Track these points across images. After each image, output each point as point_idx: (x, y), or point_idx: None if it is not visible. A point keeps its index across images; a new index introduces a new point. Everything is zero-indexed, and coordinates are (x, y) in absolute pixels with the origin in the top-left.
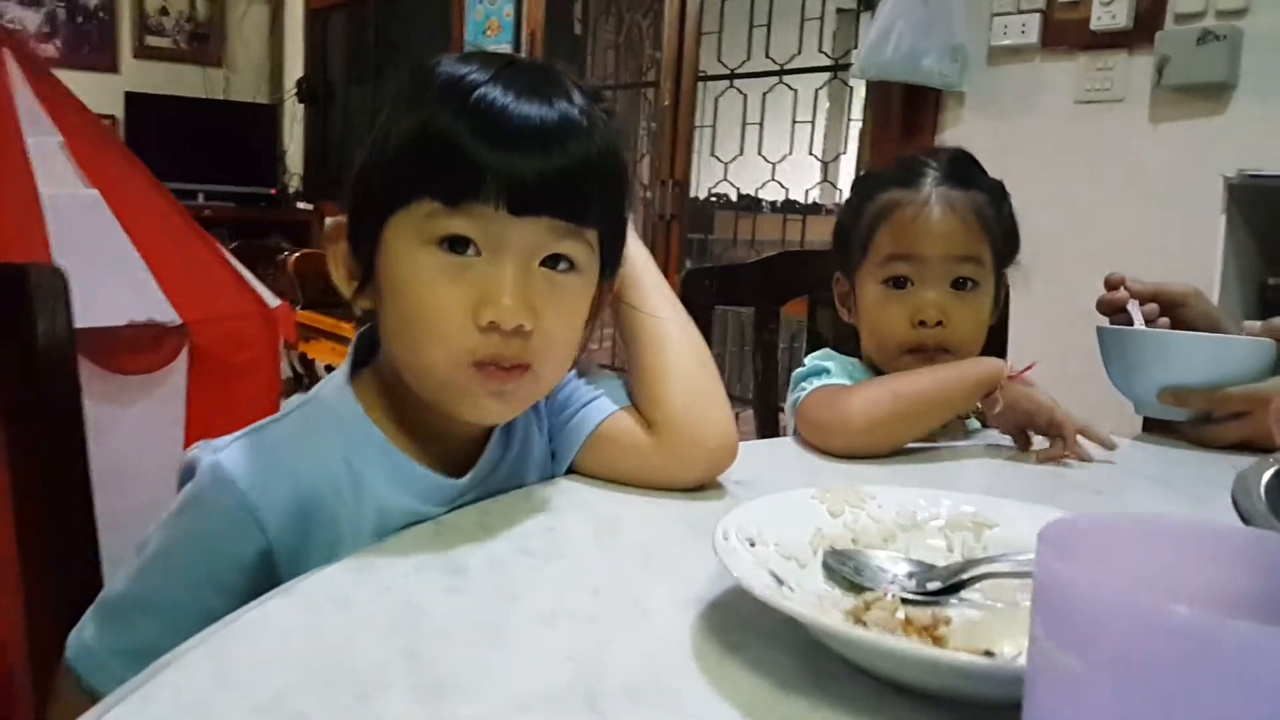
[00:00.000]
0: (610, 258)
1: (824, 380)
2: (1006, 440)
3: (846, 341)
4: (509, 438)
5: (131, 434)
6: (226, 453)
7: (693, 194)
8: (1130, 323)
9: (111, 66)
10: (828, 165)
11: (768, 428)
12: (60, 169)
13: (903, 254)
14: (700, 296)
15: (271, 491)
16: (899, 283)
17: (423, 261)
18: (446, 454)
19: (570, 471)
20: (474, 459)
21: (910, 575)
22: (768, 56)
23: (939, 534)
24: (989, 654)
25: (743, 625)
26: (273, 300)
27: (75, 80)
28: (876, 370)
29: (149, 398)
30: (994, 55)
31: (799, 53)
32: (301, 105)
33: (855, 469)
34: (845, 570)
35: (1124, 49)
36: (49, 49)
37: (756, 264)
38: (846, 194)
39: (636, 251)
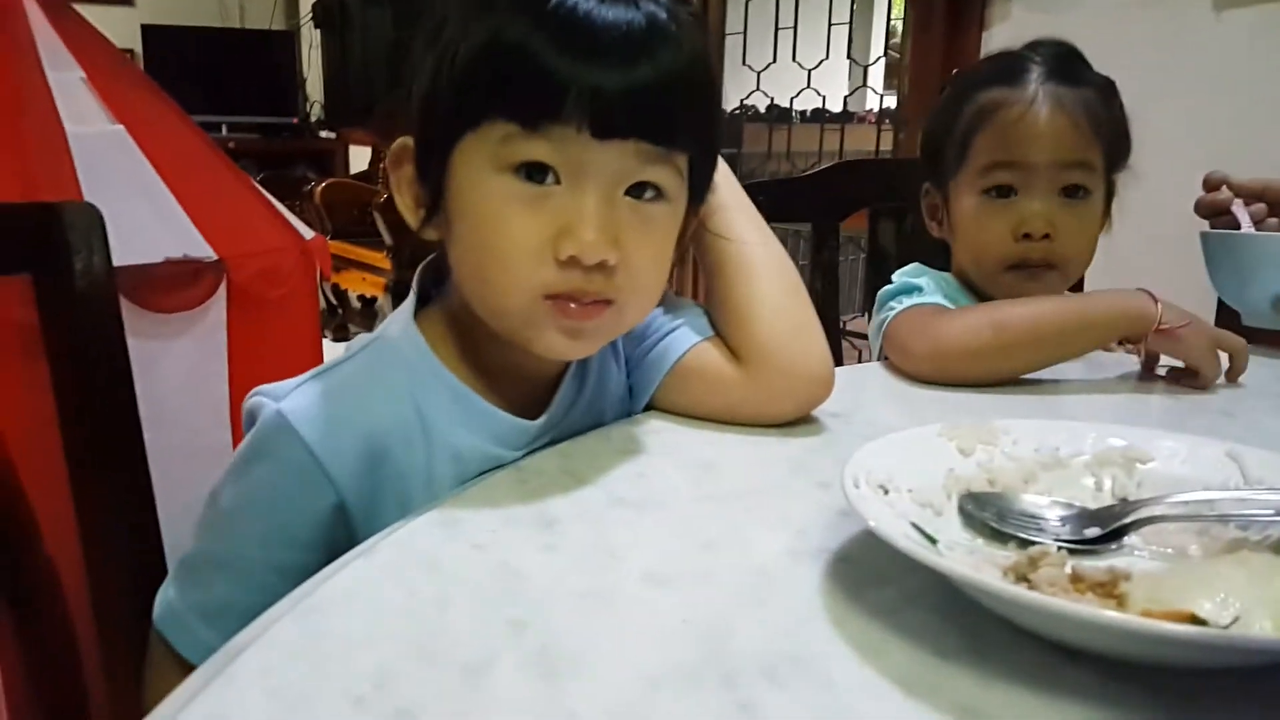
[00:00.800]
0: (699, 183)
1: (916, 299)
2: (1110, 359)
3: (912, 257)
4: (584, 374)
5: (174, 372)
6: (289, 400)
7: (730, 107)
8: (1236, 226)
9: None
10: (866, 70)
11: (832, 353)
12: (84, 105)
13: (1006, 160)
14: None
15: (338, 441)
16: (1001, 192)
17: (496, 189)
18: (519, 393)
19: (650, 407)
20: (548, 397)
21: (1063, 521)
22: None
23: (1085, 471)
24: (1196, 619)
25: (877, 581)
26: (307, 233)
27: (90, 14)
28: (972, 288)
29: (189, 335)
30: None
31: None
32: (318, 31)
33: (953, 396)
34: (986, 516)
35: None
36: None
37: (812, 177)
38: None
39: (719, 170)
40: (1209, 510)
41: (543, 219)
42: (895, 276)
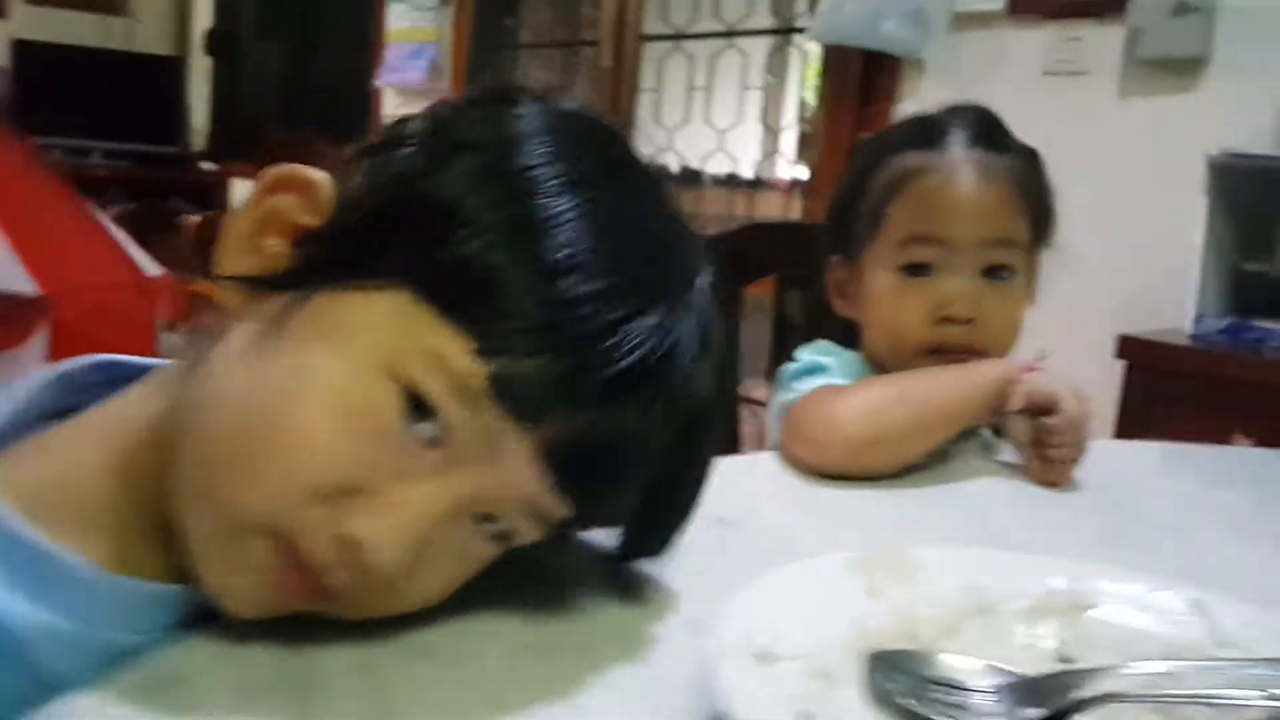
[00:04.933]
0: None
1: (822, 380)
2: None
3: (822, 328)
4: None
5: None
6: None
7: None
8: None
9: None
10: (779, 135)
11: (728, 434)
12: None
13: (925, 235)
14: None
15: None
16: (919, 269)
17: (358, 386)
18: None
19: None
20: None
21: (997, 694)
22: (716, 16)
23: (1021, 621)
24: None
25: None
26: (153, 269)
27: None
28: (884, 371)
29: (2, 378)
30: (958, 21)
31: (749, 14)
32: (209, 59)
33: (855, 495)
34: (897, 688)
35: (1094, 18)
36: None
37: (721, 237)
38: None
39: None
40: (1176, 685)
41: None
42: (799, 354)
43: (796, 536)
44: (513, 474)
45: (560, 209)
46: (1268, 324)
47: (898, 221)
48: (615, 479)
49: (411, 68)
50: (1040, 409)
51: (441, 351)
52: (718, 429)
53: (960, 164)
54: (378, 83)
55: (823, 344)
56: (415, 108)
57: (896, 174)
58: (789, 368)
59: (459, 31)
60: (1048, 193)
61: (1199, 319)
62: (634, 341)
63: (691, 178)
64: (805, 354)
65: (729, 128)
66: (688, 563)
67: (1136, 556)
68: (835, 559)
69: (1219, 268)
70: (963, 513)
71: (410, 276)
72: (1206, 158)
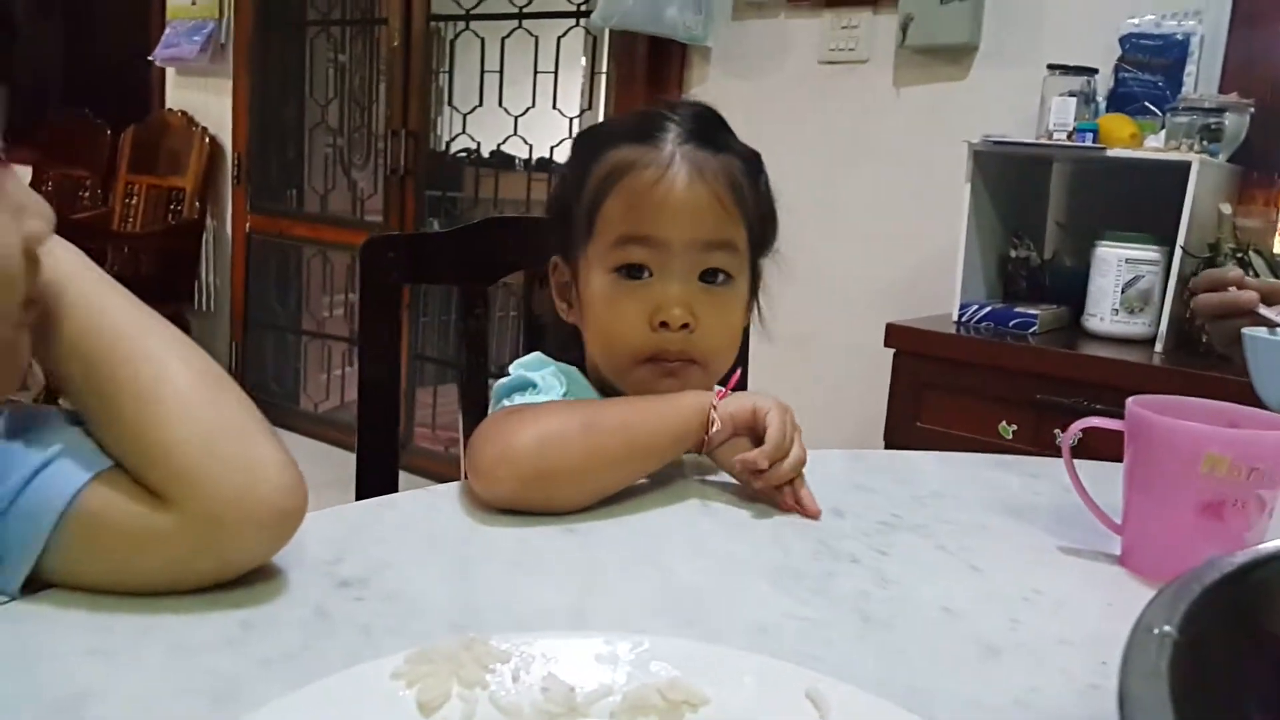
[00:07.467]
0: None
1: (526, 398)
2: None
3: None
4: None
5: None
6: None
7: (438, 148)
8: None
9: None
10: (572, 121)
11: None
12: None
13: (639, 235)
14: (385, 273)
15: None
16: (634, 271)
17: None
18: None
19: (38, 585)
20: None
21: None
22: None
23: None
24: None
25: None
26: None
27: None
28: (604, 384)
29: None
30: (739, 9)
31: None
32: None
33: (522, 536)
34: None
35: (868, 7)
36: None
37: (455, 233)
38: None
39: (69, 256)
40: None
41: None
42: (512, 368)
43: (432, 603)
44: None
45: None
46: (1031, 310)
47: (612, 219)
48: None
49: (188, 45)
50: (748, 428)
51: None
52: None
53: (673, 160)
54: (154, 60)
55: (534, 357)
56: (195, 87)
57: (611, 168)
58: (501, 384)
59: (241, 8)
60: (768, 199)
61: (963, 305)
62: None
63: (504, 162)
64: (517, 367)
65: (523, 113)
66: (271, 644)
67: (808, 609)
68: (379, 666)
69: (984, 254)
70: (643, 557)
71: None
72: (968, 145)
